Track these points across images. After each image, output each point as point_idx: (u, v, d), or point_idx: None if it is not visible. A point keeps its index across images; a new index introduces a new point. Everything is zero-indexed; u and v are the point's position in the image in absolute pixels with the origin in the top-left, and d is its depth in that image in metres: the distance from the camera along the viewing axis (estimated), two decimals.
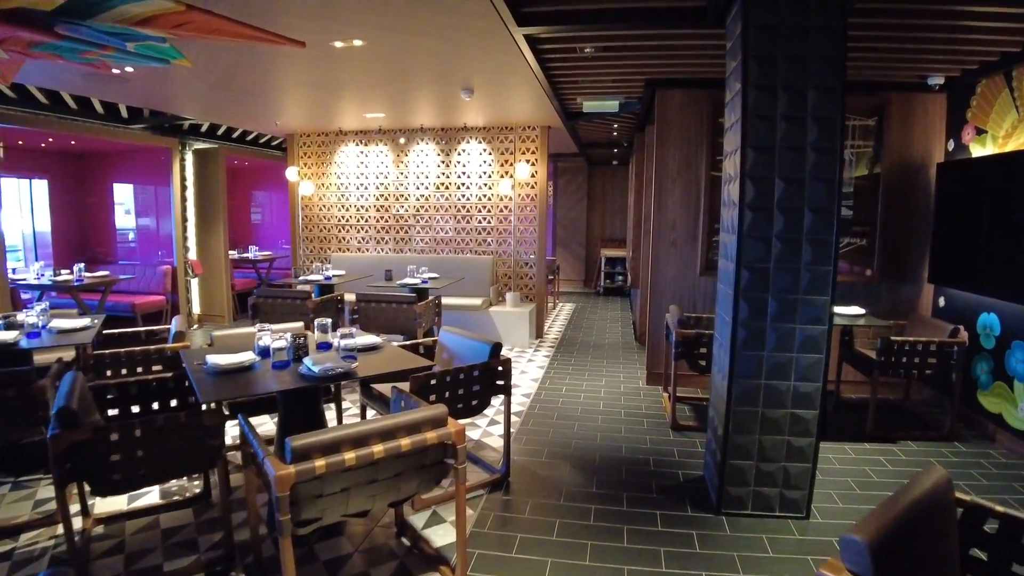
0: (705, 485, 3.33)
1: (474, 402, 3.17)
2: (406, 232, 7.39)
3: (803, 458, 2.92)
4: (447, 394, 3.04)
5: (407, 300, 5.18)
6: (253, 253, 9.54)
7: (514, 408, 4.53)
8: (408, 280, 5.83)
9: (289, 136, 7.78)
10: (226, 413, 3.54)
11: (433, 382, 2.98)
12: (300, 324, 3.85)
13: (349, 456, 2.02)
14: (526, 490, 3.28)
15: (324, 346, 3.14)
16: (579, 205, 11.74)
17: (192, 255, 8.27)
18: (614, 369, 5.70)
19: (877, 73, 4.46)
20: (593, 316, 8.71)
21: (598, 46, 3.95)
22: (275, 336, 2.90)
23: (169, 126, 7.44)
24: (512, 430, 4.08)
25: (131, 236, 9.00)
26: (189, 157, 8.06)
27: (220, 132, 8.13)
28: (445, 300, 6.55)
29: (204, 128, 7.83)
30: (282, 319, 5.75)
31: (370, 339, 3.17)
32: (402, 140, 7.26)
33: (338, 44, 3.80)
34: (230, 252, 9.92)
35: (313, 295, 6.44)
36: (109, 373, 3.59)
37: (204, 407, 2.66)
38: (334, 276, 6.36)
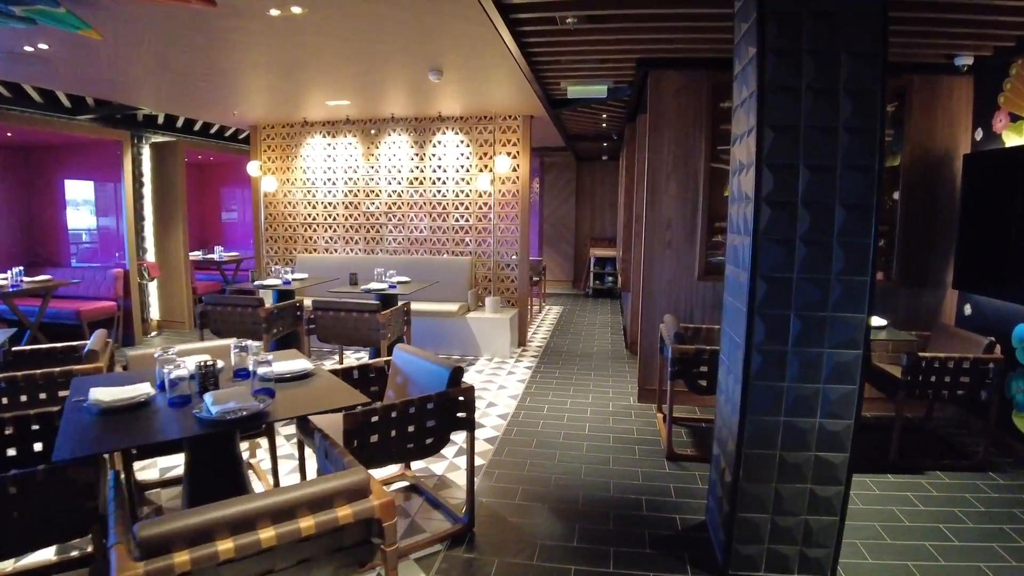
0: (707, 535, 2.78)
1: (428, 440, 2.60)
2: (377, 231, 6.80)
3: (829, 510, 2.38)
4: (393, 432, 2.48)
5: (368, 308, 4.60)
6: (219, 254, 8.91)
7: (488, 434, 3.97)
8: (373, 285, 5.24)
9: (252, 128, 7.17)
10: (134, 452, 2.98)
11: (375, 419, 2.41)
12: (230, 341, 3.26)
13: (225, 546, 1.46)
14: (493, 545, 2.71)
15: (243, 374, 2.56)
16: (567, 202, 11.18)
17: (150, 257, 7.65)
18: (603, 383, 5.15)
19: (897, 53, 3.91)
20: (581, 320, 8.15)
21: (581, 15, 3.38)
22: (172, 364, 2.32)
23: (121, 117, 6.82)
24: (483, 462, 3.52)
25: (87, 237, 8.36)
26: (146, 151, 7.43)
27: (179, 124, 7.51)
28: (418, 306, 5.98)
29: (161, 120, 7.21)
30: (233, 330, 5.17)
31: (297, 365, 2.59)
32: (373, 131, 6.67)
33: (274, 12, 3.22)
34: (194, 253, 9.31)
35: (271, 301, 5.87)
36: (5, 401, 3.02)
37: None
38: (294, 280, 5.77)
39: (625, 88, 5.12)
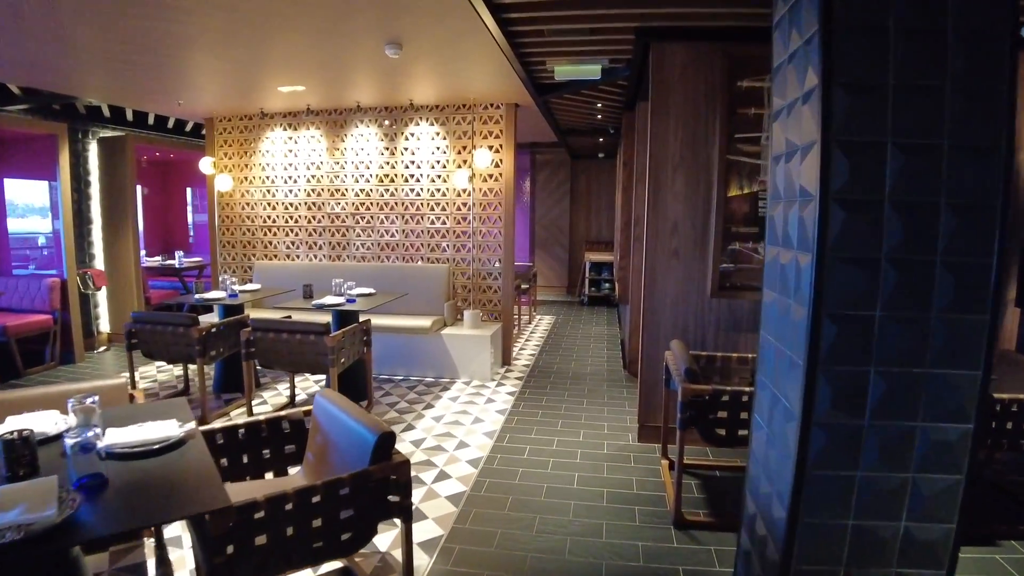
0: None
1: (345, 536, 1.86)
2: (343, 235, 6.05)
3: None
4: (290, 530, 1.73)
5: (313, 330, 3.85)
6: (179, 260, 8.15)
7: (454, 488, 3.22)
8: (328, 299, 4.49)
9: (207, 121, 6.42)
10: None
11: (260, 515, 1.67)
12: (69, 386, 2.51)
13: None
14: None
15: (84, 447, 1.80)
16: (561, 203, 10.44)
17: (99, 263, 6.91)
18: (596, 414, 4.41)
19: None
20: (575, 332, 7.41)
21: None
22: None
23: (60, 108, 6.08)
24: (442, 532, 2.78)
25: (41, 241, 7.60)
26: (93, 147, 6.70)
27: (130, 118, 6.77)
28: (386, 321, 5.24)
29: (107, 112, 6.46)
30: (166, 352, 4.43)
31: (156, 431, 1.83)
32: (342, 126, 5.92)
33: None
34: (153, 259, 8.58)
35: (217, 317, 5.15)
36: None
37: None
38: (242, 292, 5.03)
39: (622, 69, 4.38)
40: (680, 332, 3.66)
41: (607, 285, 9.46)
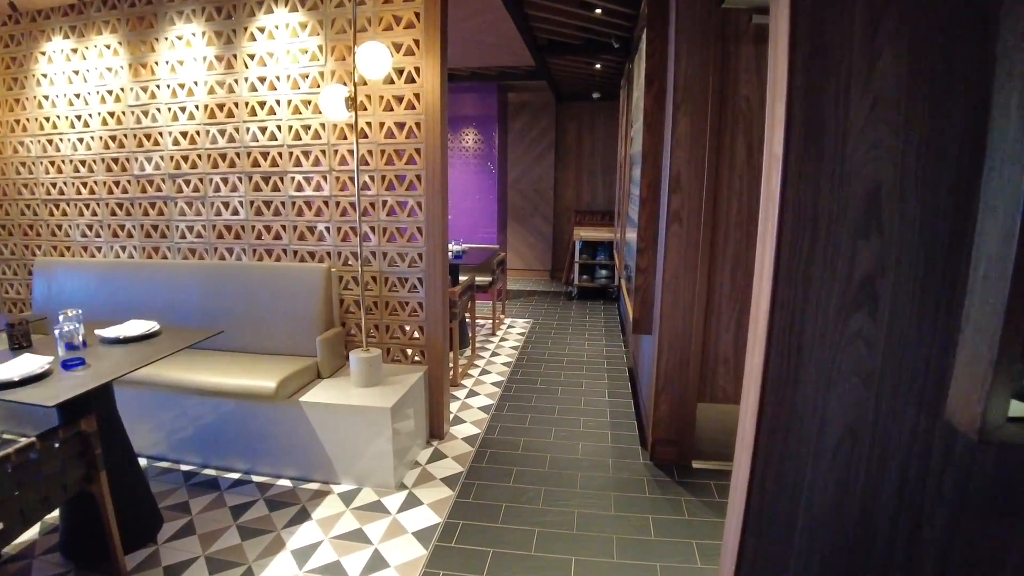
0: None
1: None
2: (161, 212, 3.58)
3: None
4: None
5: None
6: None
7: None
8: (16, 366, 2.05)
9: None
10: None
11: None
12: None
13: None
14: None
15: None
16: (543, 160, 7.95)
17: None
18: None
19: None
20: (559, 352, 5.04)
21: None
22: None
23: None
24: None
25: None
26: None
27: None
28: (194, 376, 2.84)
29: None
30: None
31: None
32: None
33: None
34: None
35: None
36: None
37: None
38: None
39: None
40: (860, 519, 1.26)
41: (603, 272, 7.04)
